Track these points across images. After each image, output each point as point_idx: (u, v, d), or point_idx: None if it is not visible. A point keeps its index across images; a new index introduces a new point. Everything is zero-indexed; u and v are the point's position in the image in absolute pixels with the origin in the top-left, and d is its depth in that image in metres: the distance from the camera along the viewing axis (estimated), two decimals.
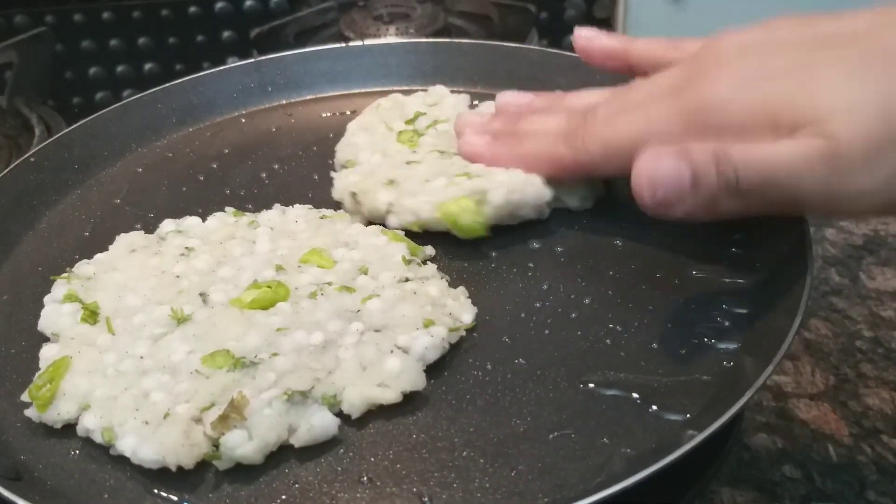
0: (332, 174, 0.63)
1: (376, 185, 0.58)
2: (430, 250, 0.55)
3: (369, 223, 0.58)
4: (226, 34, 1.19)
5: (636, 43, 0.56)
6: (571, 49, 0.59)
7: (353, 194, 0.59)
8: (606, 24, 1.25)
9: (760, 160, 0.44)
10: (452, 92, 0.69)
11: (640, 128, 0.49)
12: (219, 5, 1.17)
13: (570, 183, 0.57)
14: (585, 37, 0.58)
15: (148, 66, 1.19)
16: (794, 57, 0.46)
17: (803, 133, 0.44)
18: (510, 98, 0.60)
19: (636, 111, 0.50)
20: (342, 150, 0.65)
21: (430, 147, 0.61)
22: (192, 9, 1.17)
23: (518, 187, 0.55)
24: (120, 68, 1.18)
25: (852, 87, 0.44)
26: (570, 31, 0.59)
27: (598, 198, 0.59)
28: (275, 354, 0.46)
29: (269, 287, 0.50)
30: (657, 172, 0.44)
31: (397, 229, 0.56)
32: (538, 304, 0.52)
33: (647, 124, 0.49)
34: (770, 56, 0.47)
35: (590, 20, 1.25)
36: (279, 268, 0.52)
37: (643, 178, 0.44)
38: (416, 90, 0.71)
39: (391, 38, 1.00)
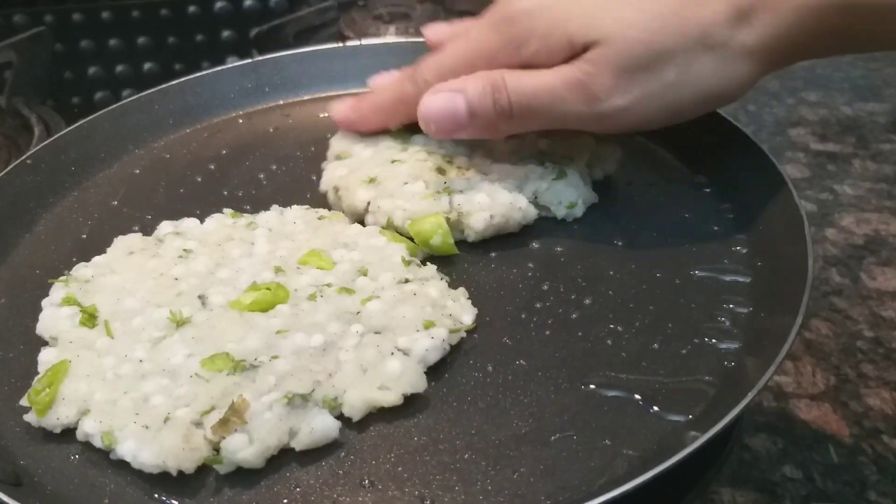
0: (322, 164, 0.62)
1: (357, 181, 0.58)
2: None
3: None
4: (225, 34, 1.18)
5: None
6: None
7: (336, 188, 0.59)
8: None
9: (529, 87, 0.52)
10: None
11: (463, 48, 0.56)
12: (218, 5, 1.17)
13: (551, 192, 0.57)
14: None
15: (147, 65, 1.19)
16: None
17: (575, 60, 0.51)
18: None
19: (461, 38, 0.57)
20: (337, 142, 0.64)
21: (422, 145, 0.61)
22: (192, 8, 1.17)
23: (502, 211, 0.55)
24: (119, 68, 1.18)
25: (626, 16, 0.51)
26: None
27: (588, 205, 0.58)
28: (275, 357, 0.46)
29: (268, 289, 0.50)
30: (430, 110, 0.54)
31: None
32: (538, 305, 0.52)
33: (467, 43, 0.56)
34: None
35: None
36: (278, 269, 0.52)
37: (421, 114, 0.55)
38: None
39: (390, 38, 0.99)
